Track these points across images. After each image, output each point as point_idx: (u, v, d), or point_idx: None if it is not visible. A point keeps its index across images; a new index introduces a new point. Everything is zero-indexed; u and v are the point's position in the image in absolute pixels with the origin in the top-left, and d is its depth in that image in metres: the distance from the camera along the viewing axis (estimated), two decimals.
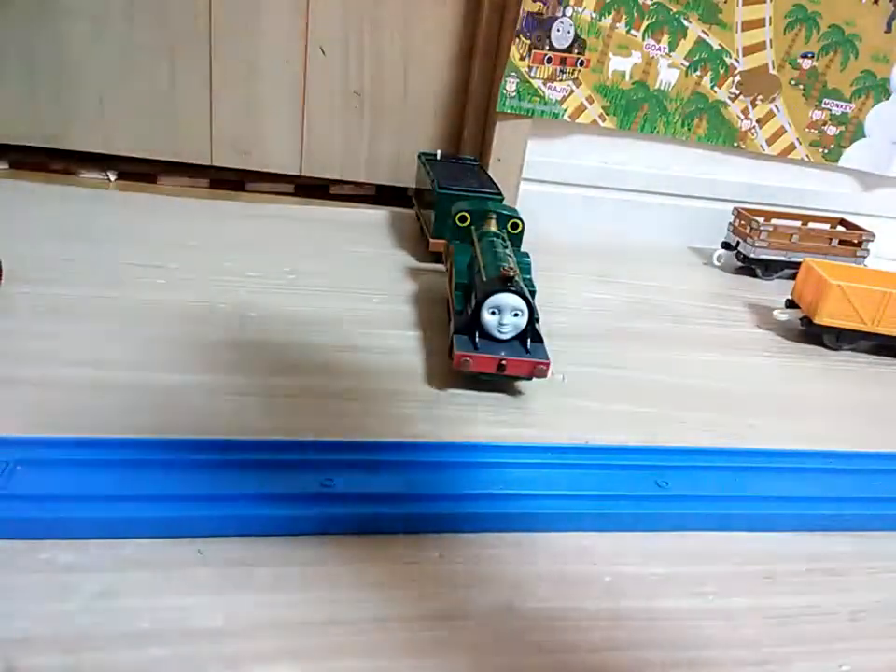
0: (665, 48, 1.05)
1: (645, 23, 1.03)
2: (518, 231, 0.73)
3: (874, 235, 1.04)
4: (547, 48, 1.02)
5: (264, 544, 0.41)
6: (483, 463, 0.50)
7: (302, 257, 0.86)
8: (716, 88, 1.09)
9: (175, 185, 1.11)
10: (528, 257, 0.70)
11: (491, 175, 0.99)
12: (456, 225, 0.75)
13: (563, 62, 1.03)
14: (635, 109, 1.08)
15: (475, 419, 0.58)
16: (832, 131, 1.14)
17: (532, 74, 1.03)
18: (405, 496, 0.45)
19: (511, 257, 0.64)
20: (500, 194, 0.88)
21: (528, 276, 0.67)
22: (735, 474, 0.53)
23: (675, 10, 1.03)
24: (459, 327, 0.60)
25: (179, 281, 0.75)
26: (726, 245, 1.08)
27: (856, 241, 1.05)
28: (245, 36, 1.03)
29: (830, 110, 1.13)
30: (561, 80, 1.05)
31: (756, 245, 1.02)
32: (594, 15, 1.01)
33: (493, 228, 0.69)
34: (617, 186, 1.14)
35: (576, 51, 1.03)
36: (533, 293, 0.62)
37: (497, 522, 0.45)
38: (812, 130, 1.14)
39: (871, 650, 0.41)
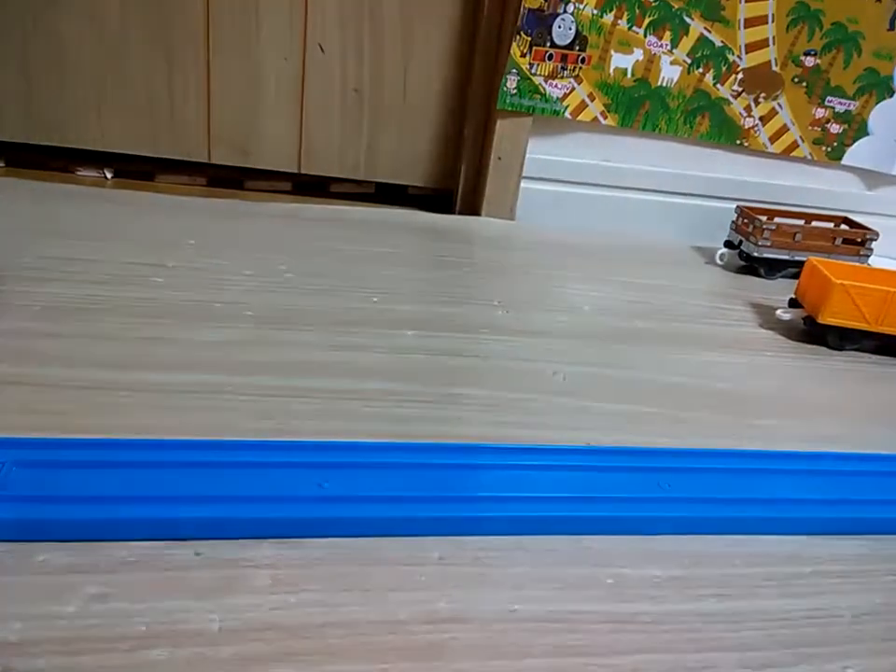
0: (667, 45, 1.05)
1: (647, 20, 1.03)
2: None
3: (877, 234, 1.03)
4: (548, 44, 1.02)
5: (262, 546, 0.41)
6: (482, 465, 0.50)
7: (301, 255, 0.86)
8: (718, 85, 1.08)
9: (173, 183, 1.10)
10: None
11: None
12: None
13: (564, 59, 1.03)
14: (636, 107, 1.08)
15: (475, 420, 0.57)
16: (835, 129, 1.14)
17: (533, 71, 1.03)
18: (404, 497, 0.44)
19: None
20: None
21: None
22: (737, 476, 0.52)
23: (677, 7, 1.02)
24: None
25: (177, 280, 0.74)
26: (729, 244, 1.07)
27: (859, 240, 1.04)
28: (243, 34, 1.02)
29: (833, 108, 1.12)
30: (562, 77, 1.04)
31: (759, 243, 1.02)
32: (595, 12, 1.01)
33: None
34: (618, 184, 1.13)
35: (577, 48, 1.03)
36: None
37: (497, 524, 0.44)
38: (815, 128, 1.13)
39: (874, 652, 0.40)
